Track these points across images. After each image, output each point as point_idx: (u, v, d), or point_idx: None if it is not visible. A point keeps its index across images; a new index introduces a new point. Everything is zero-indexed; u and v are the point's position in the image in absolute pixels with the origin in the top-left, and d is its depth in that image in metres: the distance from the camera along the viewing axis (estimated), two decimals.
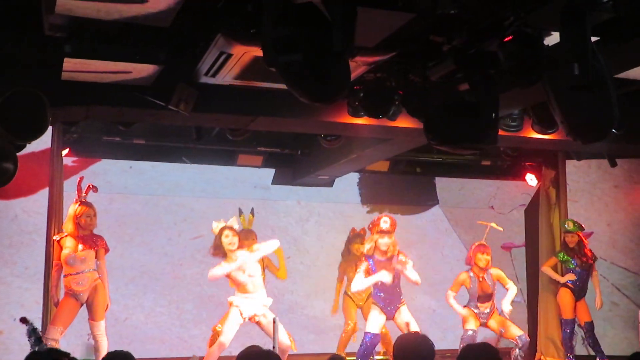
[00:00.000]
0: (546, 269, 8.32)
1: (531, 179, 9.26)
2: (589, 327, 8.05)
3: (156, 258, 8.72)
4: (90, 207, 6.88)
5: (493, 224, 7.99)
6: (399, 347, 3.77)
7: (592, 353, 8.13)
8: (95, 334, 6.71)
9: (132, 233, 8.35)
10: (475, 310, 7.56)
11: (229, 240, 6.84)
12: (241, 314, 6.85)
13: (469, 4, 4.24)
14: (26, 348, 6.37)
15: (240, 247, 6.92)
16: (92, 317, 6.74)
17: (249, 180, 8.89)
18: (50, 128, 6.41)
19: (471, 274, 7.57)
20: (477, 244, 7.69)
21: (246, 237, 7.41)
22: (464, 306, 7.59)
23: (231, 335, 6.79)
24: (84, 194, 6.86)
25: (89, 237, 6.81)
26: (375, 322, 7.17)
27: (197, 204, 8.79)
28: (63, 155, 7.16)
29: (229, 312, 6.97)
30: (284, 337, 6.79)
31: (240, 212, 7.74)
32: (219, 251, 6.89)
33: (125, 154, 7.95)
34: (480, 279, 7.54)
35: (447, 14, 4.31)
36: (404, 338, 4.04)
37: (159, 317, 8.65)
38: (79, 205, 6.82)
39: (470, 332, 7.40)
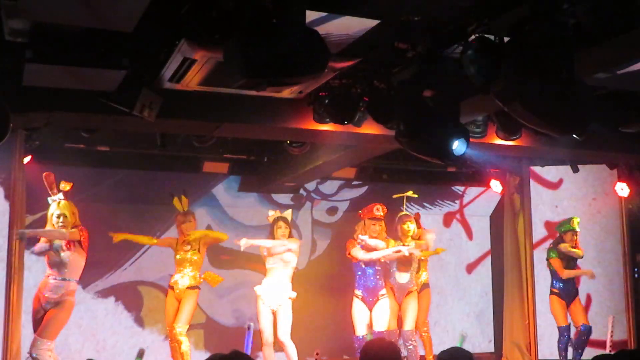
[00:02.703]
0: (568, 272, 8.13)
1: (496, 185, 9.35)
2: (586, 330, 7.99)
3: None
4: (62, 206, 6.53)
5: (409, 193, 8.05)
6: (365, 354, 3.77)
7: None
8: (42, 349, 6.21)
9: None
10: (394, 284, 7.56)
11: (282, 232, 7.38)
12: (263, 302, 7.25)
13: (432, 11, 4.28)
14: None
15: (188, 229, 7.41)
16: (43, 332, 6.24)
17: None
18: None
19: (398, 242, 7.61)
20: (400, 214, 7.87)
21: (184, 220, 7.56)
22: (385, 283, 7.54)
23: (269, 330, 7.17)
24: (55, 191, 6.56)
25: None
26: (360, 319, 7.20)
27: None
28: (25, 162, 7.04)
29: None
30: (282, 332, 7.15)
31: (173, 196, 7.59)
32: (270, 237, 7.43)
33: (89, 161, 7.83)
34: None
35: (411, 21, 4.35)
36: (370, 344, 4.04)
37: None
38: (52, 204, 6.57)
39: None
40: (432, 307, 8.66)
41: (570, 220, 8.28)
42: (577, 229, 8.18)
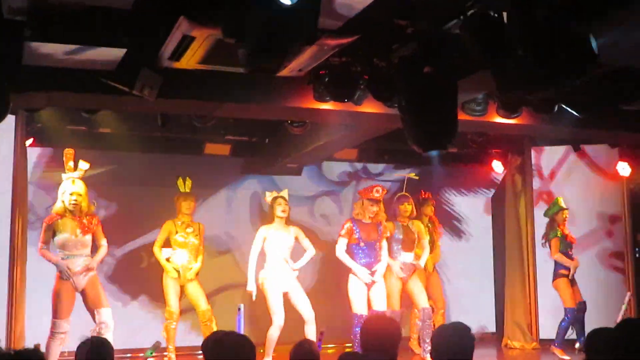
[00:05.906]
0: (559, 257, 8.12)
1: (497, 166, 9.34)
2: (582, 307, 8.00)
3: None
4: (75, 184, 6.59)
5: (410, 175, 8.16)
6: (365, 331, 3.76)
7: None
8: (103, 321, 6.53)
9: None
10: (402, 261, 7.55)
11: (282, 208, 7.40)
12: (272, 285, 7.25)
13: None
14: None
15: (189, 208, 7.56)
16: (96, 304, 6.59)
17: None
18: (13, 117, 6.35)
19: (397, 223, 7.67)
20: (398, 195, 7.90)
21: (185, 199, 7.68)
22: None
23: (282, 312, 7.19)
24: (71, 168, 6.61)
25: (85, 220, 6.65)
26: (359, 299, 7.18)
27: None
28: (27, 145, 7.04)
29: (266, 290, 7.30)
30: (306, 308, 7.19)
31: (178, 177, 7.77)
32: (270, 218, 7.47)
33: (91, 143, 7.82)
34: (405, 226, 7.69)
35: None
36: (370, 321, 4.04)
37: None
38: (65, 181, 6.62)
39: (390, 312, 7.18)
40: None
41: (555, 201, 8.24)
42: (565, 206, 8.14)
